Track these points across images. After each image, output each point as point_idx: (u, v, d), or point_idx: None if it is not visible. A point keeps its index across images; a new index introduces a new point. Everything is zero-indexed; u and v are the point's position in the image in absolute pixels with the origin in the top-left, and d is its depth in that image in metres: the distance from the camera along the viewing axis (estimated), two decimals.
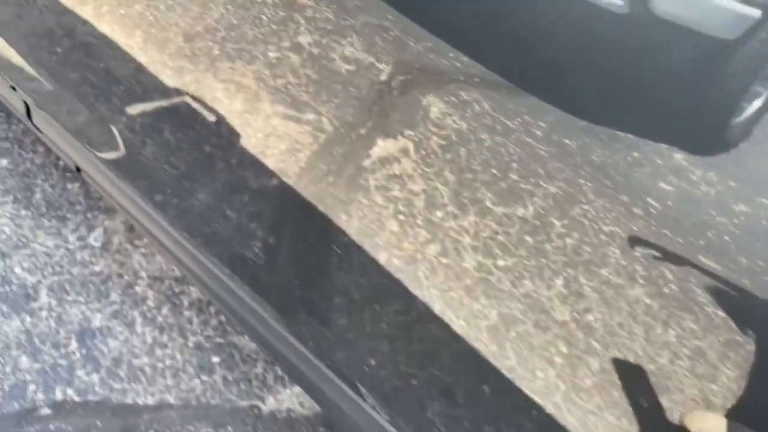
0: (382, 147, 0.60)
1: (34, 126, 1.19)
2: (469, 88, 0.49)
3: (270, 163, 0.72)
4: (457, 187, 0.56)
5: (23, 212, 1.52)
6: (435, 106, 0.53)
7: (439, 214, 0.59)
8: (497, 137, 0.49)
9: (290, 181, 0.71)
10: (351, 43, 0.56)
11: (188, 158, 0.91)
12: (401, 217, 0.63)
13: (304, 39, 0.59)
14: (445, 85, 0.52)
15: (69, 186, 1.57)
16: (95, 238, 1.48)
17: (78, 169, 1.20)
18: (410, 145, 0.57)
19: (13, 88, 1.14)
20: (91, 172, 1.09)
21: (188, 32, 0.71)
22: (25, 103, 1.17)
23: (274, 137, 0.70)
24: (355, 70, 0.57)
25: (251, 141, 0.74)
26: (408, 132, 0.56)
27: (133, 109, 0.99)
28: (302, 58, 0.61)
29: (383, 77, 0.55)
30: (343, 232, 0.70)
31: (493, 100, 0.48)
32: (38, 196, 1.56)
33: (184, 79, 0.77)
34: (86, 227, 1.50)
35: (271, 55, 0.63)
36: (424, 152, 0.56)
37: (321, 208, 0.70)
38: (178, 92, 0.81)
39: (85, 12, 0.87)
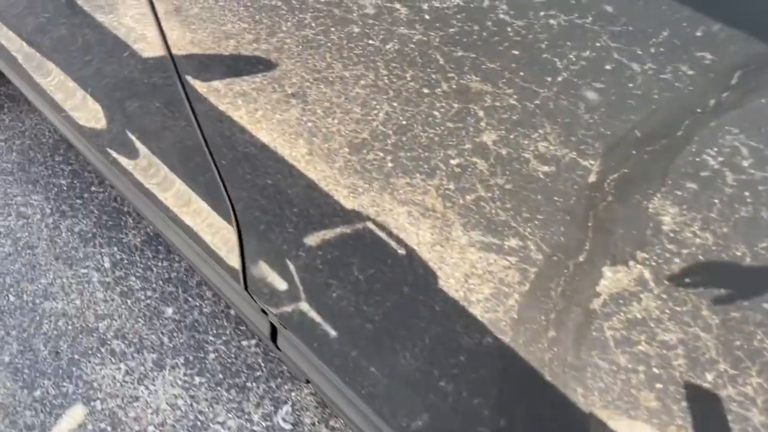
0: (612, 279, 0.69)
1: (276, 346, 1.54)
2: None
3: (477, 312, 0.86)
4: (724, 333, 0.62)
5: (197, 379, 1.92)
6: (666, 212, 0.61)
7: (709, 377, 0.65)
8: (760, 244, 0.56)
9: (506, 338, 0.83)
10: (544, 135, 0.68)
11: (384, 305, 1.09)
12: (658, 385, 0.70)
13: (488, 137, 0.73)
14: (676, 159, 0.60)
15: (244, 343, 1.94)
16: (283, 418, 1.77)
17: (307, 381, 1.51)
18: (647, 273, 0.66)
19: (264, 312, 1.50)
20: (322, 384, 1.36)
21: (353, 141, 0.91)
22: (272, 324, 1.53)
23: (475, 277, 0.83)
24: (555, 173, 0.68)
25: (450, 282, 0.88)
26: (640, 254, 0.65)
27: (312, 239, 1.22)
28: (489, 164, 0.74)
29: (592, 178, 0.66)
30: (583, 414, 0.78)
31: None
32: (212, 356, 1.96)
33: (360, 200, 0.97)
34: (271, 401, 1.82)
35: (453, 162, 0.78)
36: (667, 283, 0.64)
37: (549, 377, 0.79)
38: (358, 216, 1.00)
39: (240, 118, 1.14)
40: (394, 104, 0.86)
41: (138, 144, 1.61)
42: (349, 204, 1.06)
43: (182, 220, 1.62)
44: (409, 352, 1.08)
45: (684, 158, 0.59)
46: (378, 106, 0.89)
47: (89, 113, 1.84)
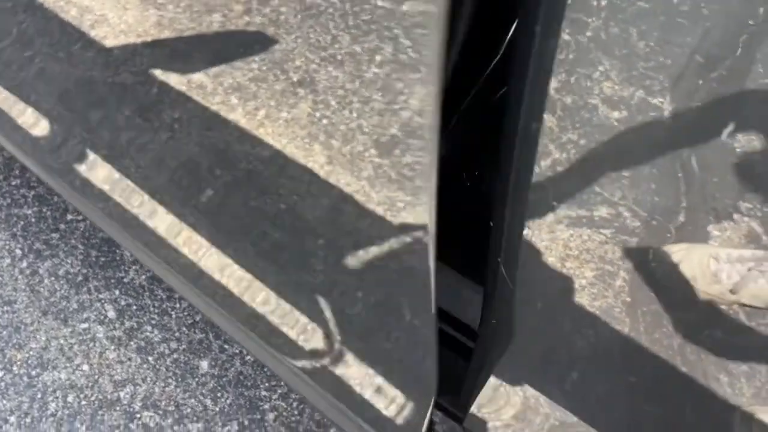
0: (721, 239, 0.80)
1: None
2: None
3: (584, 301, 0.96)
4: None
5: None
6: (754, 148, 0.72)
7: None
8: None
9: (624, 328, 0.94)
10: (605, 73, 0.79)
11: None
12: None
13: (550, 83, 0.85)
14: (745, 82, 0.70)
15: (307, 408, 2.03)
16: None
17: None
18: (756, 226, 0.76)
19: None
20: None
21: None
22: None
23: (572, 259, 0.95)
24: (628, 118, 0.80)
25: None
26: (743, 204, 0.75)
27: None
28: (558, 117, 0.86)
29: (665, 114, 0.76)
30: (730, 409, 0.89)
31: None
32: (271, 416, 2.16)
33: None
34: None
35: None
36: None
37: (684, 367, 0.91)
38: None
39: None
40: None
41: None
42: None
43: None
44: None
45: (754, 80, 0.69)
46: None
47: (39, 121, 1.91)
